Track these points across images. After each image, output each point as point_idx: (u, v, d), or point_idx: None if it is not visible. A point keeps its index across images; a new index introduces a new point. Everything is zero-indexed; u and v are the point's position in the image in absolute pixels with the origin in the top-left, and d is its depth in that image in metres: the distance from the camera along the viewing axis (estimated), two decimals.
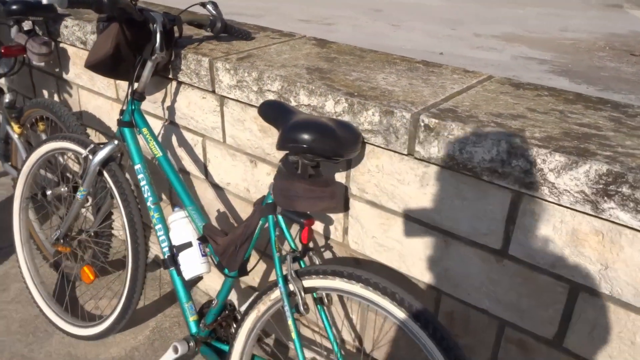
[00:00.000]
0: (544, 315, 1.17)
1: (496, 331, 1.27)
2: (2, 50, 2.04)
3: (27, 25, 2.12)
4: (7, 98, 2.21)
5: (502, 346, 1.27)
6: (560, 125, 1.13)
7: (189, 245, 1.47)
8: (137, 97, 1.57)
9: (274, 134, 1.52)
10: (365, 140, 1.28)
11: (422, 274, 1.34)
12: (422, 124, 1.16)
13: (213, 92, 1.61)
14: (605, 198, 0.97)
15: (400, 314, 1.13)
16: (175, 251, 1.49)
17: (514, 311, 1.21)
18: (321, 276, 1.21)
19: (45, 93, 2.42)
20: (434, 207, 1.25)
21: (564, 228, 1.07)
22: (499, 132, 1.09)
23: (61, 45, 2.17)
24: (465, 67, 4.66)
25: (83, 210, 1.95)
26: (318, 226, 1.53)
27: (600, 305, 1.08)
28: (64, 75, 2.24)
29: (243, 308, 1.39)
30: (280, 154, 1.52)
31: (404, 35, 5.80)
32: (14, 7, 1.90)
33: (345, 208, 1.43)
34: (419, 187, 1.25)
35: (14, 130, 2.20)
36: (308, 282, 1.24)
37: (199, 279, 1.49)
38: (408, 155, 1.24)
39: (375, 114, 1.23)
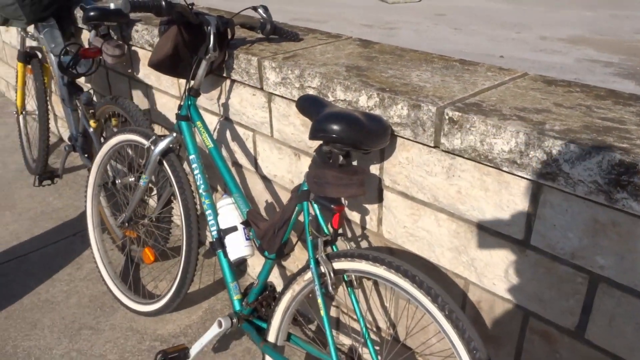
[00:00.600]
0: (565, 306, 1.19)
1: (521, 321, 1.30)
2: (81, 52, 2.27)
3: (103, 29, 2.35)
4: (85, 96, 2.45)
5: (527, 337, 1.30)
6: (583, 119, 1.16)
7: (234, 229, 1.60)
8: (193, 93, 1.72)
9: None
10: (395, 133, 1.36)
11: (450, 264, 1.40)
12: (447, 117, 1.22)
13: (261, 89, 1.74)
14: (618, 188, 1.00)
15: (420, 296, 1.19)
16: (222, 234, 1.62)
17: (537, 301, 1.24)
18: (349, 259, 1.30)
19: (120, 92, 2.65)
20: (460, 198, 1.30)
21: (581, 218, 1.09)
22: (519, 124, 1.13)
23: (132, 48, 2.38)
24: (526, 70, 4.56)
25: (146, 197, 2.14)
26: (355, 216, 1.62)
27: (618, 296, 1.10)
28: (135, 75, 2.45)
29: (280, 289, 1.50)
30: None
31: (465, 39, 5.75)
32: (92, 13, 2.12)
33: (379, 199, 1.50)
34: (445, 179, 1.31)
35: (91, 125, 2.43)
36: (337, 265, 1.33)
37: (243, 261, 1.61)
38: (435, 148, 1.30)
39: (403, 108, 1.30)
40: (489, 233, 1.27)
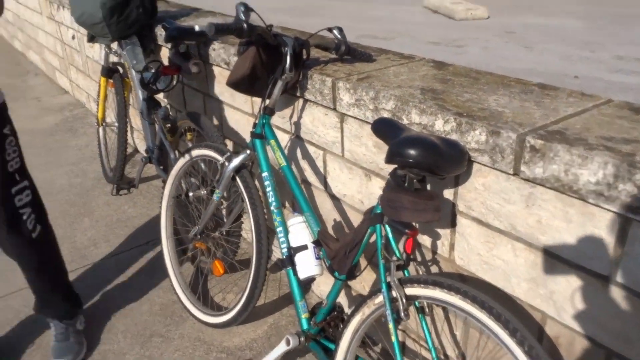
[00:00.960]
0: None
1: None
2: (162, 70, 2.38)
3: (182, 48, 2.45)
4: (163, 111, 2.56)
5: None
6: None
7: (304, 247, 1.62)
8: (267, 112, 1.77)
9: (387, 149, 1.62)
10: (472, 159, 1.34)
11: (526, 295, 1.35)
12: (528, 145, 1.19)
13: (334, 109, 1.76)
14: None
15: (498, 329, 1.16)
16: (292, 252, 1.65)
17: (622, 341, 1.18)
18: (422, 285, 1.28)
19: (194, 107, 2.75)
20: (540, 228, 1.26)
21: None
22: (606, 155, 1.09)
23: (209, 65, 2.47)
24: (602, 91, 4.36)
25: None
26: (426, 240, 1.60)
27: None
28: (210, 92, 2.54)
29: (349, 311, 1.50)
30: (391, 169, 1.62)
31: (536, 58, 5.58)
32: (173, 33, 2.22)
33: (452, 224, 1.48)
34: (524, 207, 1.28)
35: (167, 139, 2.53)
36: (410, 290, 1.31)
37: (312, 279, 1.63)
38: (514, 175, 1.27)
39: (482, 134, 1.28)
40: (571, 266, 1.22)
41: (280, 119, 2.08)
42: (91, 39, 2.77)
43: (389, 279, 1.32)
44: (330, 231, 2.02)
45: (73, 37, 4.30)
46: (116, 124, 3.08)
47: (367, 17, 8.01)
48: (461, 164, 1.28)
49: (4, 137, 1.67)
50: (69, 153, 3.78)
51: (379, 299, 1.37)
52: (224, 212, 2.42)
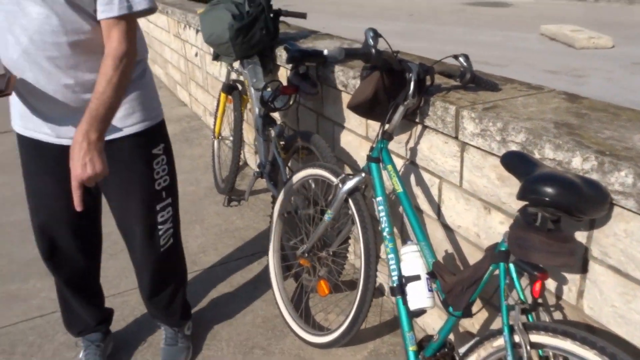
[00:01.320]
0: None
1: None
2: (281, 89, 2.45)
3: (302, 69, 2.51)
4: (279, 128, 2.64)
5: None
6: None
7: (417, 278, 1.57)
8: (386, 137, 1.76)
9: (512, 184, 1.55)
10: (613, 202, 1.23)
11: None
12: None
13: (455, 138, 1.71)
14: None
15: None
16: (404, 281, 1.61)
17: None
18: (551, 334, 1.19)
19: (307, 126, 2.81)
20: None
21: None
22: None
23: (325, 87, 2.51)
24: None
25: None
26: (550, 283, 1.49)
27: None
28: (324, 113, 2.58)
29: (462, 350, 1.43)
30: (518, 205, 1.54)
31: None
32: (296, 54, 2.28)
33: (583, 270, 1.37)
34: None
35: (280, 156, 2.60)
36: (535, 337, 1.23)
37: (422, 312, 1.58)
38: None
39: (628, 176, 1.18)
40: None
41: (395, 144, 2.06)
42: (216, 57, 2.93)
43: (511, 322, 1.24)
44: (441, 261, 1.95)
45: (196, 54, 4.58)
46: (231, 138, 3.22)
47: (478, 43, 7.83)
48: (602, 206, 1.18)
49: (154, 157, 1.73)
50: (184, 162, 4.00)
51: (499, 342, 1.29)
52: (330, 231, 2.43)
